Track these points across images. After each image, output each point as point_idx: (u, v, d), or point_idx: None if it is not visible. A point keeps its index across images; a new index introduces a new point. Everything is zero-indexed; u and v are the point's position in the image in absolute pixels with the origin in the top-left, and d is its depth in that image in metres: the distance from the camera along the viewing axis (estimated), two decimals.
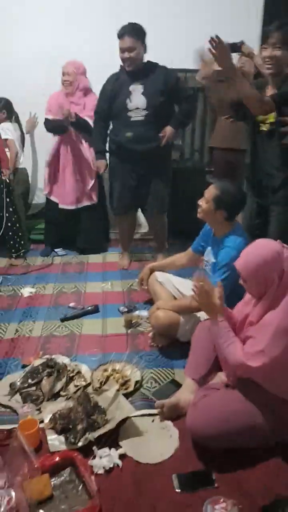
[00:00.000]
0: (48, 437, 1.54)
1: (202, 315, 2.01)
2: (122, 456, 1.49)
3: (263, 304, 1.38)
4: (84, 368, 1.96)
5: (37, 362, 1.97)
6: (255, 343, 1.36)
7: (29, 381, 1.86)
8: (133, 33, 2.51)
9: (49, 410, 1.67)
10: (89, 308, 2.51)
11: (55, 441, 1.53)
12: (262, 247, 1.41)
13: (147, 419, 1.67)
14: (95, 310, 2.51)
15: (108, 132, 2.88)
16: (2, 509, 1.21)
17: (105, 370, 1.93)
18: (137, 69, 2.62)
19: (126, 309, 2.36)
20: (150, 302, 2.52)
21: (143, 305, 2.58)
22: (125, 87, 2.65)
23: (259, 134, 2.16)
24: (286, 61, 2.00)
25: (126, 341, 2.22)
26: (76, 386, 1.86)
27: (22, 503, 1.23)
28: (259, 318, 1.39)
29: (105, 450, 1.49)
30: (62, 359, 2.02)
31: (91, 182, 3.20)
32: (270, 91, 2.09)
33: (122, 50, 2.55)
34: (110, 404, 1.68)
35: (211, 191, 1.97)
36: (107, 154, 2.92)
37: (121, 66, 2.70)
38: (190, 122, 2.97)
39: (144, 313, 2.43)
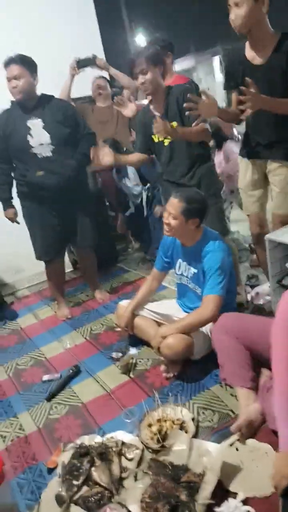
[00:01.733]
0: None
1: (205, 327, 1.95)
2: (245, 502, 1.30)
3: None
4: (124, 435, 1.65)
5: (66, 457, 1.58)
6: None
7: (75, 482, 1.47)
8: (20, 62, 2.27)
9: (132, 499, 1.35)
10: (70, 371, 2.15)
11: None
12: None
13: (230, 451, 1.50)
14: (78, 371, 2.16)
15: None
16: None
17: (150, 425, 1.66)
18: (30, 101, 2.38)
19: (120, 354, 2.09)
20: (126, 339, 2.34)
21: (121, 344, 2.33)
22: (22, 123, 2.37)
23: (163, 146, 2.18)
24: (158, 79, 2.07)
25: (139, 386, 1.97)
26: (130, 459, 1.55)
27: None
28: None
29: (226, 506, 1.28)
30: (91, 439, 1.66)
31: None
32: (157, 107, 2.15)
33: (9, 79, 2.29)
34: (189, 455, 1.46)
35: (176, 206, 1.87)
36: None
37: (12, 101, 2.41)
38: (89, 163, 2.54)
39: (133, 351, 2.21)
